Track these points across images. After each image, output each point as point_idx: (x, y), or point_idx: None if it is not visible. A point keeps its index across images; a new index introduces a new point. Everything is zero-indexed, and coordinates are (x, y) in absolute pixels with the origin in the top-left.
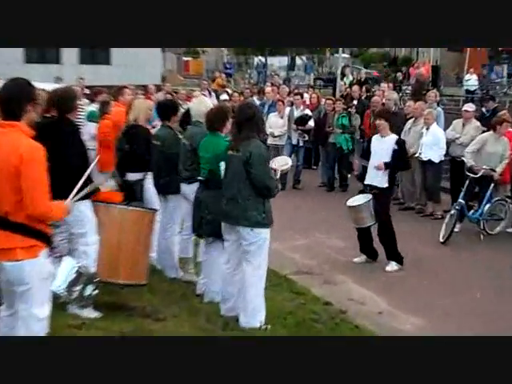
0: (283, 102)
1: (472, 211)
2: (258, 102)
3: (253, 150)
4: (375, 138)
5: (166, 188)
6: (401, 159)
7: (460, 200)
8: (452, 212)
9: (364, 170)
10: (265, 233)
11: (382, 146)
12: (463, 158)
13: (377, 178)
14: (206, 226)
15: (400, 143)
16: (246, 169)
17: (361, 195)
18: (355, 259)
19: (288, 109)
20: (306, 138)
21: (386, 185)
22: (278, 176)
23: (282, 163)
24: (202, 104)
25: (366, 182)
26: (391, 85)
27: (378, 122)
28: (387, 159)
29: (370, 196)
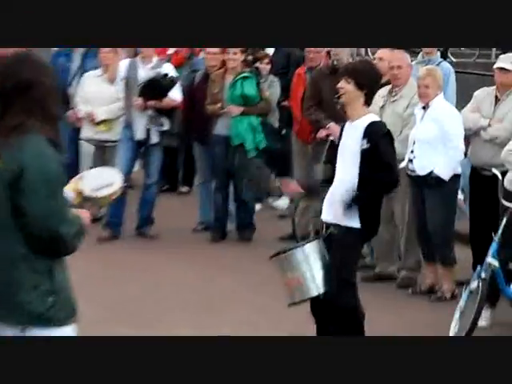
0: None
1: None
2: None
3: (28, 160)
4: (347, 127)
5: None
6: (377, 173)
7: (490, 259)
8: (473, 285)
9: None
10: (55, 335)
11: (350, 141)
12: (494, 171)
13: (335, 209)
14: None
15: (373, 134)
16: (13, 198)
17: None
18: None
19: (126, 63)
20: (166, 127)
21: (354, 224)
22: (89, 211)
23: (99, 183)
24: None
25: (322, 217)
26: None
27: (339, 84)
28: (355, 170)
29: (317, 238)
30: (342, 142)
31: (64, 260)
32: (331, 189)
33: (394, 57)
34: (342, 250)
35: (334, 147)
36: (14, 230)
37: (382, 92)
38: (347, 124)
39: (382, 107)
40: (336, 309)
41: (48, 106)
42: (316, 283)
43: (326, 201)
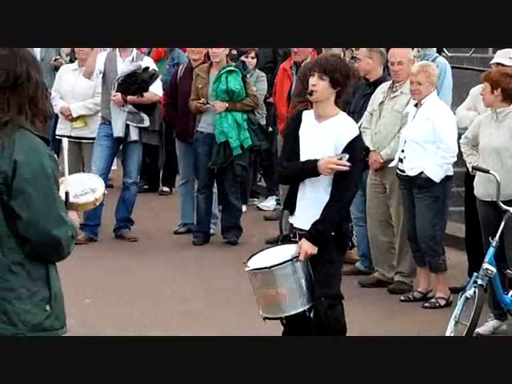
0: None
1: None
2: None
3: (21, 158)
4: (307, 121)
5: None
6: (344, 189)
7: (487, 265)
8: (469, 292)
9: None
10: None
11: (320, 143)
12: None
13: (313, 213)
14: None
15: (356, 154)
16: (6, 202)
17: (282, 247)
18: None
19: (103, 56)
20: (146, 124)
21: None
22: (76, 216)
23: (81, 188)
24: None
25: (292, 221)
26: None
27: (311, 80)
28: (326, 178)
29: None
30: (307, 139)
31: (56, 266)
32: (302, 190)
33: (394, 52)
34: (326, 260)
35: None
36: (8, 236)
37: (383, 87)
38: (312, 120)
39: (381, 103)
40: (323, 329)
41: (39, 102)
42: (302, 299)
43: (298, 204)
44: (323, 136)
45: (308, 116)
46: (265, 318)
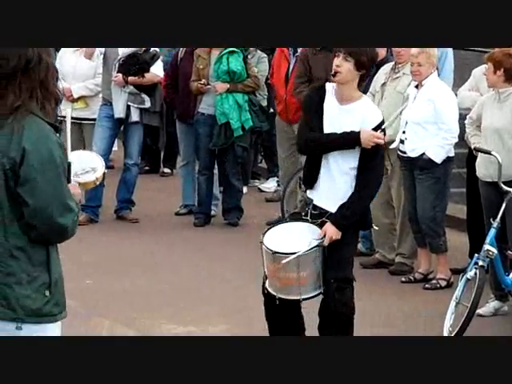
0: None
1: None
2: None
3: (30, 145)
4: (329, 98)
5: None
6: (372, 176)
7: (488, 246)
8: (470, 273)
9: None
10: (51, 331)
11: (346, 127)
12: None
13: (336, 194)
14: None
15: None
16: (11, 187)
17: (298, 226)
18: None
19: None
20: (147, 105)
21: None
22: (78, 190)
23: (81, 167)
24: None
25: (310, 195)
26: None
27: (336, 61)
28: (352, 159)
29: (318, 233)
30: (331, 118)
31: (57, 248)
32: (326, 171)
33: None
34: (345, 247)
35: None
36: (11, 220)
37: (385, 69)
38: (333, 100)
39: (384, 84)
40: (329, 311)
41: (49, 84)
42: (318, 283)
43: (321, 184)
44: (348, 119)
45: (330, 91)
46: (279, 299)
